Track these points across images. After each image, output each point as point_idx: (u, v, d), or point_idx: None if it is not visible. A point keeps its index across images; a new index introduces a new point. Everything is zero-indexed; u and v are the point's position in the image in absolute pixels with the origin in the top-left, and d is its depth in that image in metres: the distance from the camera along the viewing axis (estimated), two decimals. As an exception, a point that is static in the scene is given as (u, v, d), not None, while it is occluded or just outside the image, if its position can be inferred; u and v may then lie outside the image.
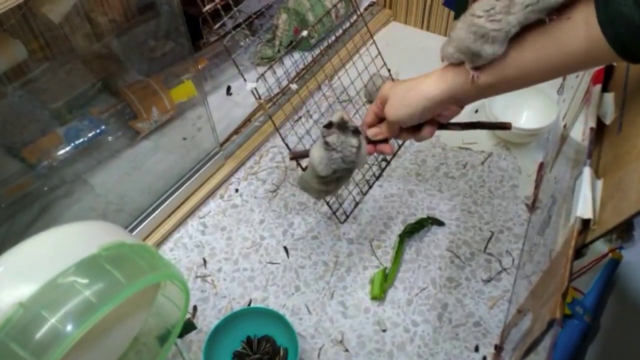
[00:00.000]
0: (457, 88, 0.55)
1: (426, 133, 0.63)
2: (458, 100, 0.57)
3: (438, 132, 1.09)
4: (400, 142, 1.06)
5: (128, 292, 0.56)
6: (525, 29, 0.51)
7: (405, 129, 0.63)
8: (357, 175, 1.00)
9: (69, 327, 0.52)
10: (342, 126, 0.63)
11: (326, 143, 0.63)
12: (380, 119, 0.66)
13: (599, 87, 0.72)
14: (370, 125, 0.68)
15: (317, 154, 0.65)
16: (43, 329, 0.52)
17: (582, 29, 0.46)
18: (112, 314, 0.57)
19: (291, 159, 0.69)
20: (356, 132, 0.64)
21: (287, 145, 0.89)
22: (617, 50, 0.44)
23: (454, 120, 0.65)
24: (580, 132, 0.83)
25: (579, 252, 0.59)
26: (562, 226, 0.67)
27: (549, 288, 0.61)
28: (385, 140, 0.68)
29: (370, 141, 0.68)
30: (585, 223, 0.57)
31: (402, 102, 0.59)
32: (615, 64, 0.73)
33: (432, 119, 0.61)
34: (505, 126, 0.71)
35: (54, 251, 0.59)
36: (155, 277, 0.60)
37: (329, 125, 0.63)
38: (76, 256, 0.57)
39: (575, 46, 0.47)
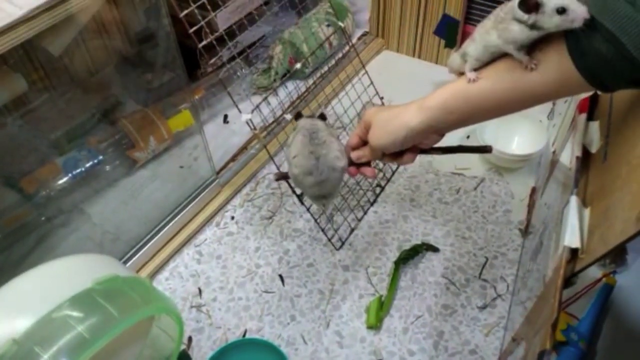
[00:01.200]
0: (435, 119, 0.57)
1: (407, 159, 0.65)
2: (438, 130, 0.59)
3: (430, 158, 1.11)
4: (394, 167, 1.08)
5: (121, 326, 0.56)
6: (500, 61, 0.53)
7: (387, 154, 0.65)
8: (352, 201, 1.01)
9: (62, 363, 0.52)
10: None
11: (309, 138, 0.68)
12: (364, 142, 0.68)
13: (584, 115, 0.74)
14: (354, 148, 0.70)
15: (298, 151, 0.69)
16: (36, 365, 0.52)
17: (555, 60, 0.48)
18: (107, 347, 0.57)
19: (276, 180, 0.72)
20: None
21: (278, 168, 0.90)
22: (588, 80, 0.46)
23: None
24: (569, 158, 0.85)
25: (568, 281, 0.60)
26: (553, 253, 0.67)
27: (542, 314, 0.62)
28: (367, 164, 0.70)
29: (353, 163, 0.70)
30: (574, 252, 0.58)
31: (384, 130, 0.62)
32: (599, 92, 0.74)
33: (414, 145, 0.63)
34: (485, 150, 0.73)
35: (47, 286, 0.59)
36: (148, 310, 0.61)
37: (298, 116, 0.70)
38: (70, 291, 0.58)
39: (548, 76, 0.49)
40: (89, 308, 0.57)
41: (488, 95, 0.54)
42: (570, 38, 0.46)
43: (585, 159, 0.68)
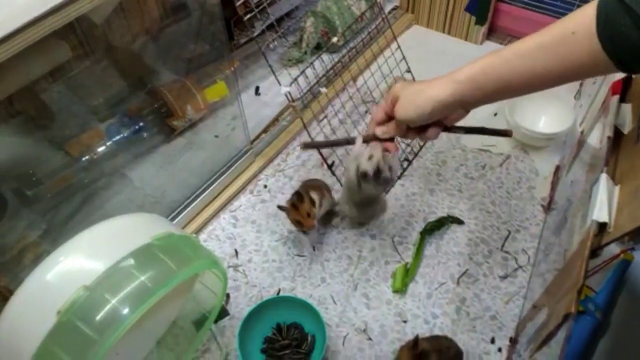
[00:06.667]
0: (463, 93, 0.58)
1: (431, 134, 0.66)
2: (465, 104, 0.60)
3: (458, 135, 1.14)
4: (421, 142, 1.11)
5: (179, 278, 0.62)
6: (530, 39, 0.55)
7: (411, 129, 0.66)
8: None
9: (127, 309, 0.58)
10: (376, 176, 0.74)
11: (359, 182, 0.76)
12: (389, 118, 0.69)
13: (616, 97, 0.76)
14: (379, 124, 0.71)
15: (350, 173, 0.74)
16: (105, 309, 0.58)
17: (585, 43, 0.50)
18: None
19: (302, 148, 0.75)
20: (387, 181, 0.73)
21: (309, 134, 0.94)
22: (615, 64, 0.48)
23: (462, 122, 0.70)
24: (597, 139, 0.87)
25: (594, 253, 0.64)
26: (578, 228, 0.71)
27: (564, 285, 0.66)
28: (391, 139, 0.72)
29: (377, 138, 0.71)
30: (601, 226, 0.62)
31: (411, 103, 0.63)
32: (634, 76, 0.76)
33: (439, 120, 0.64)
34: (506, 133, 0.74)
35: (112, 240, 0.65)
36: (201, 265, 0.66)
37: (364, 176, 0.74)
38: (132, 245, 0.63)
39: (578, 58, 0.51)
40: (150, 261, 0.63)
41: (518, 72, 0.55)
42: (601, 22, 0.48)
43: (617, 139, 0.71)
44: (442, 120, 0.64)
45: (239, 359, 0.77)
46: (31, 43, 0.61)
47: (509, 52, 0.56)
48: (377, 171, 0.70)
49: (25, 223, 0.90)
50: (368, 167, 0.73)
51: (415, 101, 0.62)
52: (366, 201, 0.88)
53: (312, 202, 0.89)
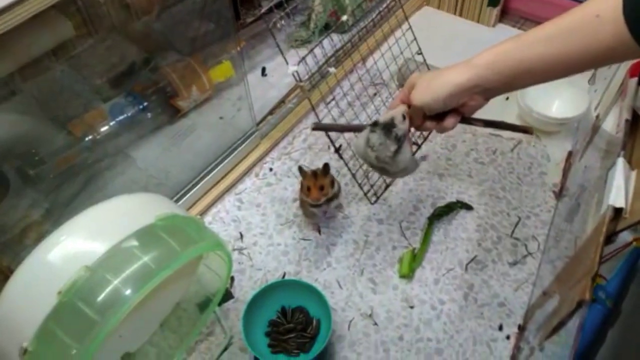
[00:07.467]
0: (482, 77, 0.57)
1: (449, 123, 0.63)
2: (484, 91, 0.59)
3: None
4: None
5: (183, 259, 0.61)
6: (552, 24, 0.52)
7: (428, 117, 0.64)
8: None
9: (130, 290, 0.57)
10: (387, 128, 0.64)
11: (367, 139, 0.65)
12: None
13: (635, 80, 0.73)
14: None
15: (359, 142, 0.67)
16: (106, 290, 0.56)
17: (609, 27, 0.47)
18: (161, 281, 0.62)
19: (313, 129, 0.71)
20: (398, 139, 0.64)
21: (317, 116, 0.91)
22: None
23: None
24: (612, 124, 0.85)
25: (609, 239, 0.62)
26: (593, 214, 0.69)
27: (577, 272, 0.64)
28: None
29: None
30: (617, 212, 0.60)
31: (428, 88, 0.61)
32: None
33: (456, 109, 0.62)
34: (526, 130, 0.71)
35: (114, 219, 0.63)
36: (206, 246, 0.65)
37: (374, 124, 0.64)
38: (135, 225, 0.62)
39: (602, 43, 0.49)
40: (153, 242, 0.62)
41: (538, 58, 0.53)
42: (627, 4, 0.46)
43: (635, 123, 0.69)
44: (460, 108, 0.62)
45: (243, 342, 0.76)
46: (33, 14, 0.59)
47: (529, 37, 0.54)
48: (390, 124, 0.64)
49: (28, 202, 0.89)
50: (381, 118, 0.66)
51: (432, 86, 0.60)
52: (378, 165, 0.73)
53: (332, 182, 0.88)
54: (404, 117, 0.63)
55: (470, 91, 0.58)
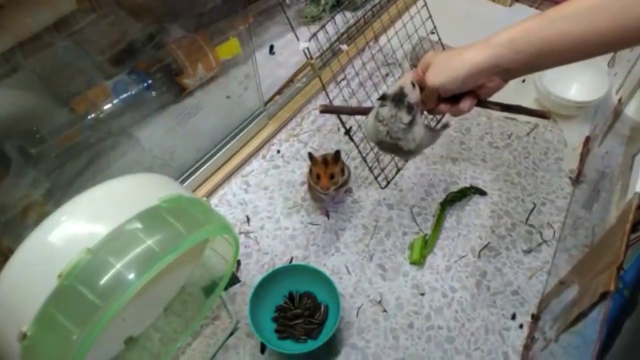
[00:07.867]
0: (501, 57, 0.53)
1: (465, 105, 0.60)
2: (503, 71, 0.55)
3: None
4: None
5: (189, 242, 0.58)
6: (577, 1, 0.49)
7: (443, 100, 0.61)
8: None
9: (133, 275, 0.55)
10: (398, 99, 0.59)
11: (377, 113, 0.60)
12: (420, 90, 0.63)
13: (666, 60, 0.69)
14: None
15: (369, 120, 0.63)
16: (109, 274, 0.54)
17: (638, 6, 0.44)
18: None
19: (321, 112, 0.67)
20: (411, 108, 0.59)
21: (328, 96, 0.87)
22: None
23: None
24: (636, 109, 0.81)
25: (634, 228, 0.59)
26: (616, 202, 0.66)
27: (599, 262, 0.62)
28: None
29: None
30: (645, 199, 0.57)
31: (444, 67, 0.57)
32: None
33: (473, 91, 0.59)
34: (544, 115, 0.68)
35: (117, 201, 0.61)
36: (212, 229, 0.62)
37: (382, 97, 0.60)
38: (138, 206, 0.59)
39: (633, 20, 0.46)
40: (158, 224, 0.59)
41: (562, 35, 0.50)
42: None
43: (665, 105, 0.65)
44: (477, 90, 0.58)
45: (250, 326, 0.74)
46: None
47: (552, 14, 0.51)
48: (400, 93, 0.60)
49: (29, 181, 0.87)
50: (389, 90, 0.60)
51: (449, 65, 0.56)
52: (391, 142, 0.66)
53: (343, 171, 0.84)
54: (413, 85, 0.59)
55: (489, 71, 0.55)
